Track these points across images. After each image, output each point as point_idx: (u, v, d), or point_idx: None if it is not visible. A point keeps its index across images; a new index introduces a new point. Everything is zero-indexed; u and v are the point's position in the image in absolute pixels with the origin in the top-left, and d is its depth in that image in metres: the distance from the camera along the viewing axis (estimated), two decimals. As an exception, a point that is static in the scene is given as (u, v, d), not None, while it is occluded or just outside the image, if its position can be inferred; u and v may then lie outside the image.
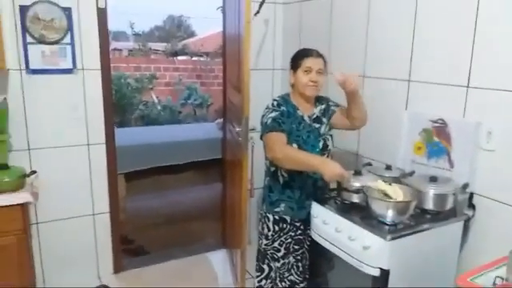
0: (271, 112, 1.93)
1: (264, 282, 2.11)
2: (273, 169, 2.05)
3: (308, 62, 1.92)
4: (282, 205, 2.03)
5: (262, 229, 2.10)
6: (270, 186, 2.07)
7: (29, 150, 2.44)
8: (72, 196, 2.60)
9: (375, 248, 1.63)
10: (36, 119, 2.43)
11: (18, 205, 2.11)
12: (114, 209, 2.79)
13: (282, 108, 1.95)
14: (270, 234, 2.06)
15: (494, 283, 1.36)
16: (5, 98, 2.32)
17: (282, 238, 2.05)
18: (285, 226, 2.04)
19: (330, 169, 1.73)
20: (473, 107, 1.83)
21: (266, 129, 1.91)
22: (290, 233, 2.04)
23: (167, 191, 4.65)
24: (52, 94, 2.45)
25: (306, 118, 2.00)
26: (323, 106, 2.07)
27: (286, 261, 2.07)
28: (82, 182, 2.63)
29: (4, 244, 2.10)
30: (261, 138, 1.99)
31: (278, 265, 2.07)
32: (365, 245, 1.65)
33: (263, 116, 1.96)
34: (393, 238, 1.60)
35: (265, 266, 2.10)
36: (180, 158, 4.76)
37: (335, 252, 1.83)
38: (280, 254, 2.06)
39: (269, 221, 2.06)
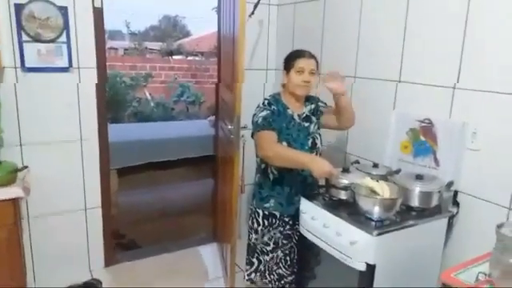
0: (262, 111, 1.97)
1: (253, 275, 2.15)
2: (263, 166, 2.09)
3: (301, 63, 1.97)
4: (272, 201, 2.07)
5: (252, 224, 2.14)
6: (261, 182, 2.11)
7: (21, 145, 2.45)
8: (64, 191, 2.61)
9: (362, 243, 1.67)
10: (29, 116, 2.44)
11: (9, 200, 2.11)
12: (106, 203, 2.81)
13: (273, 107, 1.99)
14: (259, 228, 2.10)
15: (477, 279, 1.40)
16: None
17: (272, 233, 2.09)
18: (274, 221, 2.08)
19: (318, 166, 1.78)
20: (459, 108, 1.89)
21: (257, 127, 1.95)
22: (279, 228, 2.08)
23: (159, 186, 4.67)
24: (47, 91, 2.46)
25: (295, 116, 2.05)
26: (313, 106, 2.12)
27: (275, 255, 2.11)
28: (75, 177, 2.64)
29: (-4, 237, 2.10)
30: (252, 137, 2.03)
31: (267, 258, 2.11)
32: (352, 240, 1.70)
33: (254, 115, 2.00)
34: (379, 234, 1.64)
35: (254, 260, 2.15)
36: (172, 155, 4.78)
37: (323, 247, 1.87)
38: (269, 248, 2.10)
39: (258, 216, 2.10)
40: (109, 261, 2.89)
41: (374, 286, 1.70)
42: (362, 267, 1.69)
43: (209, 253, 3.19)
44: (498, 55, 1.72)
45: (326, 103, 2.15)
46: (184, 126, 5.92)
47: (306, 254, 2.04)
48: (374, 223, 1.70)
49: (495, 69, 1.73)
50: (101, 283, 2.64)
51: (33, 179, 2.44)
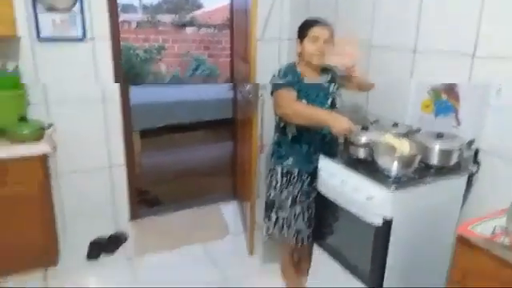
0: (282, 73, 1.99)
1: (272, 229, 2.22)
2: (282, 124, 2.10)
3: (315, 31, 1.94)
4: (290, 158, 2.10)
5: (270, 182, 2.19)
6: (279, 140, 2.14)
7: (46, 104, 2.53)
8: (89, 150, 2.71)
9: (379, 198, 1.69)
10: (50, 83, 2.51)
11: (37, 156, 2.21)
12: (130, 162, 2.91)
13: (288, 76, 1.98)
14: (278, 185, 2.14)
15: (494, 232, 1.41)
16: (17, 66, 2.38)
17: (290, 189, 2.13)
18: (292, 178, 2.11)
19: (338, 123, 1.78)
20: (481, 72, 1.84)
21: (277, 86, 1.96)
22: (298, 185, 2.12)
23: (180, 149, 4.79)
24: (63, 60, 2.51)
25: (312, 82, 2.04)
26: (329, 77, 2.10)
27: (293, 210, 2.15)
28: (99, 136, 2.73)
29: (26, 193, 2.22)
30: (271, 95, 2.04)
31: (285, 214, 2.16)
32: (369, 195, 1.72)
33: (274, 76, 2.02)
34: (396, 189, 1.65)
35: (273, 215, 2.20)
36: (192, 117, 4.84)
37: (340, 203, 1.91)
38: (287, 204, 2.14)
39: (277, 173, 2.14)
40: (134, 215, 3.02)
41: (391, 241, 1.74)
42: (379, 222, 1.71)
43: (229, 210, 3.29)
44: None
45: (342, 74, 2.11)
46: (203, 89, 5.93)
47: (323, 211, 2.08)
48: (391, 179, 1.71)
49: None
50: (126, 236, 2.79)
51: (59, 137, 2.54)
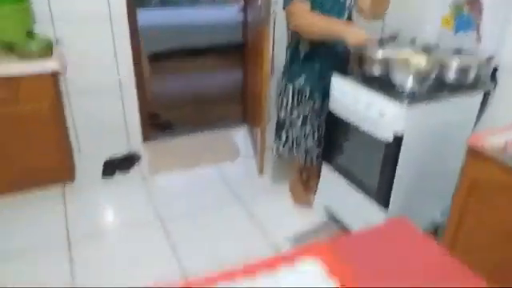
0: None
1: (282, 148, 2.24)
2: (294, 41, 2.03)
3: None
4: (303, 76, 2.06)
5: (282, 102, 2.17)
6: (292, 58, 2.08)
7: (52, 22, 2.45)
8: (99, 70, 2.67)
9: (392, 113, 1.68)
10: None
11: (48, 73, 2.19)
12: (140, 84, 2.88)
13: None
14: (289, 104, 2.13)
15: (506, 143, 1.39)
16: None
17: (301, 108, 2.12)
18: (304, 96, 2.09)
19: (354, 33, 1.71)
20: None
21: None
22: (309, 104, 2.11)
23: (190, 74, 4.74)
24: None
25: None
26: None
27: (303, 129, 2.16)
28: (108, 56, 2.68)
29: (39, 111, 2.24)
30: (283, 8, 1.94)
31: (295, 132, 2.17)
32: (382, 111, 1.71)
33: None
34: (410, 103, 1.63)
35: (283, 134, 2.21)
36: (201, 42, 4.72)
37: (352, 121, 1.90)
38: (298, 123, 2.15)
39: (288, 93, 2.11)
40: (146, 137, 3.06)
41: (400, 158, 1.74)
42: (390, 138, 1.72)
43: (240, 134, 3.33)
44: None
45: None
46: (212, 12, 5.71)
47: (333, 130, 2.08)
48: (405, 94, 1.68)
49: None
50: (140, 156, 2.85)
51: (69, 57, 2.50)
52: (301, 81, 2.07)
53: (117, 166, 2.69)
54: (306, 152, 2.21)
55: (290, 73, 2.10)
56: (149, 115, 3.09)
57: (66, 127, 2.41)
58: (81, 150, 2.79)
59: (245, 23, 3.28)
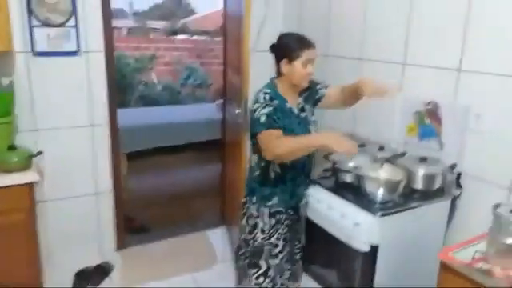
0: (264, 107, 1.80)
1: (262, 279, 2.02)
2: (263, 164, 1.94)
3: (309, 54, 1.84)
4: (275, 198, 1.96)
5: (256, 223, 1.99)
6: (261, 180, 1.97)
7: (34, 130, 2.50)
8: (76, 176, 2.66)
9: (366, 224, 1.71)
10: (42, 100, 2.49)
11: (25, 184, 2.17)
12: (118, 187, 2.87)
13: (275, 102, 1.84)
14: (266, 228, 1.98)
15: (473, 257, 1.45)
16: (11, 81, 2.37)
17: (280, 230, 1.99)
18: (280, 216, 1.99)
19: (335, 139, 1.65)
20: (464, 90, 1.90)
21: (262, 126, 1.77)
22: (286, 222, 2.00)
23: (168, 171, 4.75)
24: (57, 76, 2.50)
25: (294, 110, 1.94)
26: (307, 93, 2.01)
27: (284, 254, 2.02)
28: (86, 161, 2.69)
29: (13, 221, 2.16)
30: (252, 137, 1.87)
31: (276, 261, 2.01)
32: (356, 221, 1.74)
33: (255, 111, 1.82)
34: (383, 215, 1.68)
35: (262, 263, 2.01)
36: (180, 139, 4.83)
37: (327, 229, 1.90)
38: (278, 250, 2.00)
39: (263, 215, 1.98)
40: (120, 244, 2.96)
41: (377, 266, 1.75)
42: (366, 248, 1.73)
43: (217, 236, 3.26)
44: (501, 38, 1.72)
45: (325, 84, 2.05)
46: (192, 110, 5.95)
47: (311, 238, 2.06)
48: (377, 205, 1.73)
49: (498, 51, 1.73)
50: (113, 266, 2.74)
51: (46, 164, 2.51)
52: (274, 202, 1.97)
53: (88, 277, 2.56)
54: (291, 276, 2.10)
55: (261, 195, 1.98)
56: (124, 218, 3.03)
57: (37, 239, 2.33)
58: (49, 262, 2.65)
59: (223, 121, 3.41)
